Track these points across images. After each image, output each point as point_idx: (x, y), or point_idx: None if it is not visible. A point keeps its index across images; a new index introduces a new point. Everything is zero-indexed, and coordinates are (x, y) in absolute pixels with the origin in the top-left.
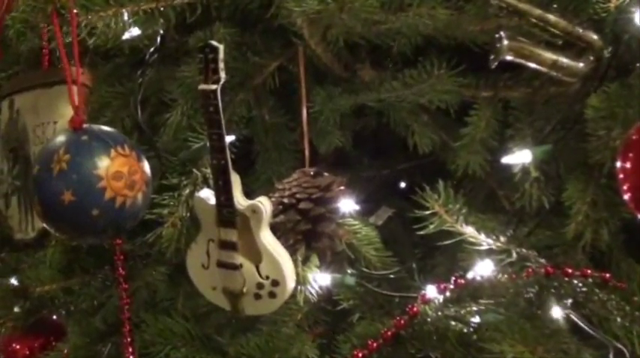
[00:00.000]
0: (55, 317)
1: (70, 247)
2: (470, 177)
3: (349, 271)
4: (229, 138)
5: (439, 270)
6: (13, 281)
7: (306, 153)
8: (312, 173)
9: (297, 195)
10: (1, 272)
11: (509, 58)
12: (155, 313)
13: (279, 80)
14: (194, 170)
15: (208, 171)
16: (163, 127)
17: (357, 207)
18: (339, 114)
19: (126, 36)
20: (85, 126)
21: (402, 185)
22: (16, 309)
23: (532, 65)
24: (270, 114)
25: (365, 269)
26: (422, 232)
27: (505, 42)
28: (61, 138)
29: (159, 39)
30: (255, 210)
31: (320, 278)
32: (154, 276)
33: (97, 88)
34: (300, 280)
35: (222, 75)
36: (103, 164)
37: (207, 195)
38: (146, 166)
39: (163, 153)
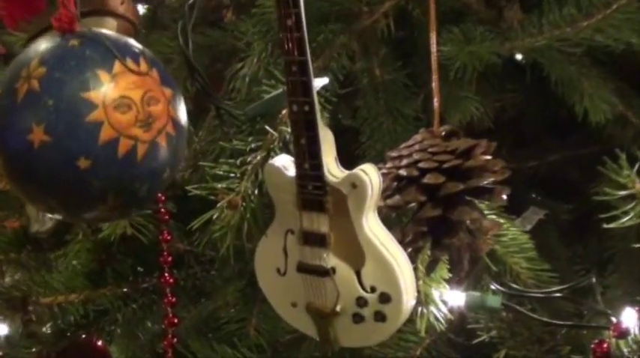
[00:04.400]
0: (99, 342)
1: (101, 243)
2: None
3: (493, 287)
4: (321, 81)
5: (613, 294)
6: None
7: (436, 105)
8: (443, 133)
9: (421, 165)
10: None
11: None
12: (212, 340)
13: (395, 25)
14: (267, 128)
15: (289, 130)
16: (234, 81)
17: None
18: (480, 68)
19: None
20: (78, 28)
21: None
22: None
23: None
24: (382, 69)
25: (515, 286)
26: (611, 225)
27: None
28: (38, 46)
29: None
30: (355, 184)
31: (451, 297)
32: (222, 289)
33: (157, 41)
34: (422, 298)
35: None
36: (99, 84)
37: (285, 162)
38: (177, 97)
39: (224, 106)
